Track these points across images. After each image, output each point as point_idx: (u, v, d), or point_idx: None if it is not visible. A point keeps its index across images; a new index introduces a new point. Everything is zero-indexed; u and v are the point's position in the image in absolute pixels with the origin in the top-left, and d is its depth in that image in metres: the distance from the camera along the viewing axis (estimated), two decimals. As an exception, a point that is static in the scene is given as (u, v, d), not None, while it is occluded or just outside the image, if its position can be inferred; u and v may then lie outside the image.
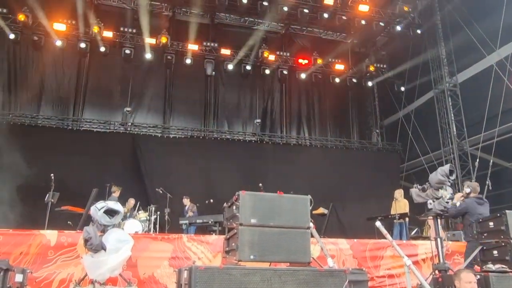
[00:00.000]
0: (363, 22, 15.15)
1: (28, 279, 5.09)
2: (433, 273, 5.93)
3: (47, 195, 9.51)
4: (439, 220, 6.39)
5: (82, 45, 14.32)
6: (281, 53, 16.26)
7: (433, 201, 6.09)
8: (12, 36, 13.77)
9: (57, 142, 13.48)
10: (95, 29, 13.84)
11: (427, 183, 6.23)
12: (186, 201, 11.97)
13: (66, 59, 15.10)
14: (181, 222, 10.61)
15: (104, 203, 5.73)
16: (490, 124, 12.80)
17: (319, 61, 16.05)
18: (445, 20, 15.28)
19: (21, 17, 13.30)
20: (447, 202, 6.05)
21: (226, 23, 16.22)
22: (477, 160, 12.42)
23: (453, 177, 6.12)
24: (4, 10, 13.70)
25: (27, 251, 6.18)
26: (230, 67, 15.69)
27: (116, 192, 10.77)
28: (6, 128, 13.56)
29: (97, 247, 5.29)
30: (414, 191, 6.41)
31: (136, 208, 11.04)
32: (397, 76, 16.91)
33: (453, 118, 14.68)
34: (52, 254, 6.27)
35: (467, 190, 7.06)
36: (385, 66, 17.05)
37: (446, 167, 6.11)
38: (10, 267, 4.02)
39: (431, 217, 6.48)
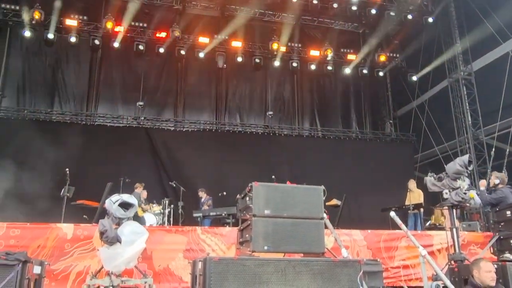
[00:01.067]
0: (373, 11, 14.95)
1: (46, 271, 5.17)
2: (449, 263, 5.88)
3: (63, 189, 9.66)
4: (454, 210, 6.31)
5: (97, 42, 14.42)
6: (292, 45, 16.15)
7: (450, 191, 6.01)
8: (28, 34, 13.93)
9: (71, 137, 13.61)
10: (109, 24, 13.90)
11: (444, 172, 6.16)
12: (202, 194, 12.04)
13: (79, 54, 15.21)
14: (195, 215, 10.69)
15: (119, 196, 5.80)
16: (506, 112, 12.57)
17: (330, 51, 15.88)
18: (459, 7, 14.99)
19: (36, 14, 13.39)
20: (465, 193, 5.96)
21: (237, 15, 16.12)
22: (493, 149, 12.22)
23: (471, 167, 6.05)
24: (16, 7, 13.85)
25: (44, 244, 6.31)
26: (241, 59, 15.67)
27: (139, 188, 10.85)
28: (21, 124, 13.79)
29: (112, 240, 5.36)
30: (429, 179, 6.34)
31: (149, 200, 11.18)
32: (410, 65, 16.67)
33: (468, 107, 14.43)
34: (69, 247, 6.39)
35: (496, 181, 6.95)
36: (397, 55, 16.82)
37: (465, 157, 6.03)
38: (28, 259, 4.09)
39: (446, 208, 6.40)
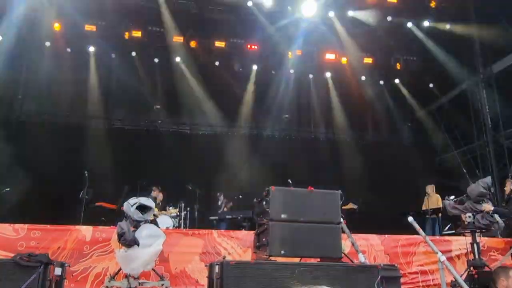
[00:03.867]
0: (389, 18, 14.85)
1: (66, 272, 5.26)
2: (469, 270, 5.79)
3: (81, 191, 9.83)
4: (477, 235, 6.09)
5: (113, 55, 14.93)
6: (308, 48, 16.10)
7: (473, 215, 5.87)
8: (48, 43, 14.27)
9: (89, 140, 13.87)
10: (126, 35, 14.24)
11: (465, 195, 6.04)
12: (220, 197, 12.10)
13: (97, 58, 15.40)
14: (211, 218, 10.75)
15: (137, 199, 5.87)
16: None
17: (346, 60, 15.83)
18: (478, 8, 14.74)
19: (57, 27, 13.72)
20: (492, 216, 5.83)
21: (253, 18, 16.15)
22: (514, 153, 12.00)
23: (492, 189, 5.95)
24: (38, 14, 14.08)
25: (64, 246, 6.43)
26: (256, 63, 15.76)
27: (156, 191, 10.98)
28: (41, 127, 14.08)
29: (130, 242, 5.42)
30: (448, 203, 6.21)
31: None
32: (428, 67, 16.46)
33: (488, 110, 14.16)
34: (88, 249, 6.49)
35: None
36: (415, 58, 16.64)
37: (488, 179, 5.93)
38: (50, 261, 4.18)
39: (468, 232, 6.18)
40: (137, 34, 14.51)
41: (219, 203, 12.01)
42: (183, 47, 15.00)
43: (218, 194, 12.19)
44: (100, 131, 14.82)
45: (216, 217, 10.90)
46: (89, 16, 14.08)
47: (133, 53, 14.81)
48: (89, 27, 14.23)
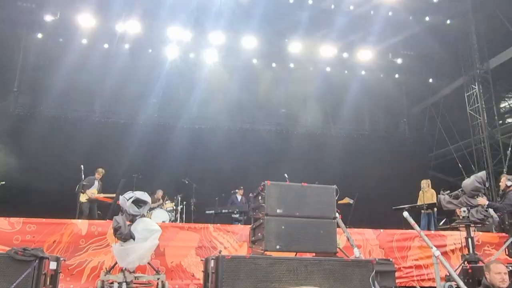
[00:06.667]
0: (390, 13, 14.82)
1: (62, 266, 5.25)
2: (463, 264, 5.83)
3: (77, 185, 9.80)
4: (471, 229, 6.14)
5: (106, 45, 15.03)
6: (306, 42, 16.05)
7: (468, 209, 5.90)
8: (40, 35, 14.32)
9: (85, 134, 13.81)
10: (121, 27, 14.19)
11: (460, 190, 6.07)
12: (240, 192, 12.00)
13: (93, 52, 15.30)
14: (207, 211, 10.74)
15: (132, 193, 5.84)
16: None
17: (345, 51, 15.80)
18: (476, 4, 14.74)
19: (49, 18, 13.75)
20: (486, 211, 5.86)
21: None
22: (510, 148, 12.04)
23: (487, 184, 5.97)
24: (33, 6, 14.00)
25: (60, 239, 6.41)
26: (255, 57, 15.72)
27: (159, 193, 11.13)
28: (37, 120, 14.02)
29: (126, 236, 5.41)
30: (443, 197, 6.23)
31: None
32: (425, 62, 16.46)
33: (484, 105, 14.20)
34: (84, 242, 6.48)
35: (508, 183, 6.85)
36: (412, 52, 16.62)
37: (483, 174, 5.95)
38: (45, 255, 4.16)
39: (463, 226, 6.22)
40: (135, 27, 14.45)
41: (239, 198, 11.86)
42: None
43: (237, 190, 12.01)
44: (96, 124, 14.75)
45: (213, 211, 10.86)
46: (84, 8, 13.98)
47: (126, 45, 14.73)
48: (84, 20, 14.14)
